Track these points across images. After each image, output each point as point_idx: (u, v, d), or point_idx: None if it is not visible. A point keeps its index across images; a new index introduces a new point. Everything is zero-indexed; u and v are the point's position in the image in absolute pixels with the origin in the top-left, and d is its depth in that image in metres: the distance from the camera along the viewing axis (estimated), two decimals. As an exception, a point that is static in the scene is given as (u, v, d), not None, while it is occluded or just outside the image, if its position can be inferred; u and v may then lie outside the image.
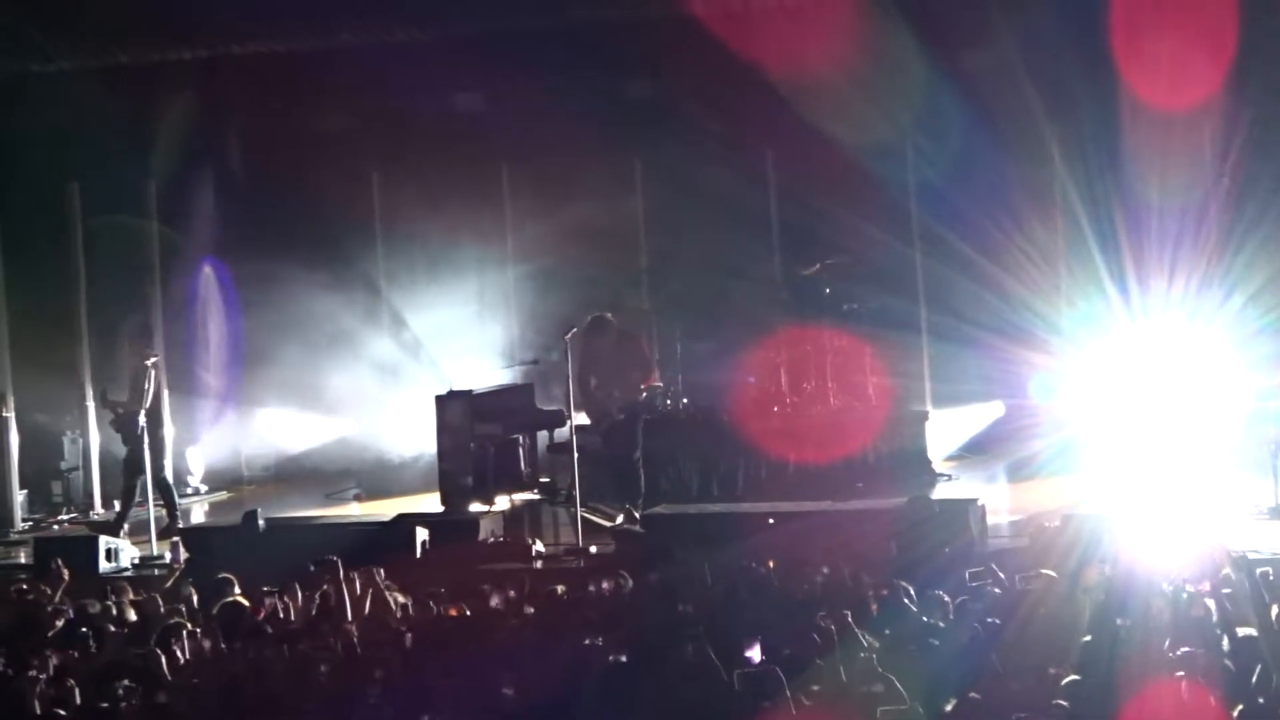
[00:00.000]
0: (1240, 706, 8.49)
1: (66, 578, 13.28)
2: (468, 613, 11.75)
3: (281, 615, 11.92)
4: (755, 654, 9.64)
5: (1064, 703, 8.62)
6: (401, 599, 12.21)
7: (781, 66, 18.30)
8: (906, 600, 11.25)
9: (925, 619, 10.65)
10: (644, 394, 17.10)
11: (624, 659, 9.74)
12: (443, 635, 10.91)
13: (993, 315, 19.79)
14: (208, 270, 21.96)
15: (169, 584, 13.30)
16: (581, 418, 17.71)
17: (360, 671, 9.82)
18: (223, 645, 10.78)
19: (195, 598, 12.71)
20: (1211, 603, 10.51)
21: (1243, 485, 16.62)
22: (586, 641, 10.31)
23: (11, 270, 20.91)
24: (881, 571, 12.12)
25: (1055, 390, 19.70)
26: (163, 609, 12.19)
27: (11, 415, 19.61)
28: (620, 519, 16.58)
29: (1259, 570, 10.86)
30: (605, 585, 12.44)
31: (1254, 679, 9.01)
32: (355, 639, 10.63)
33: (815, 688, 9.15)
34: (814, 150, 19.88)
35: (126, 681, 9.93)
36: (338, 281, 21.53)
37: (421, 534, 15.41)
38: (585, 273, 20.62)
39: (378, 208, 22.22)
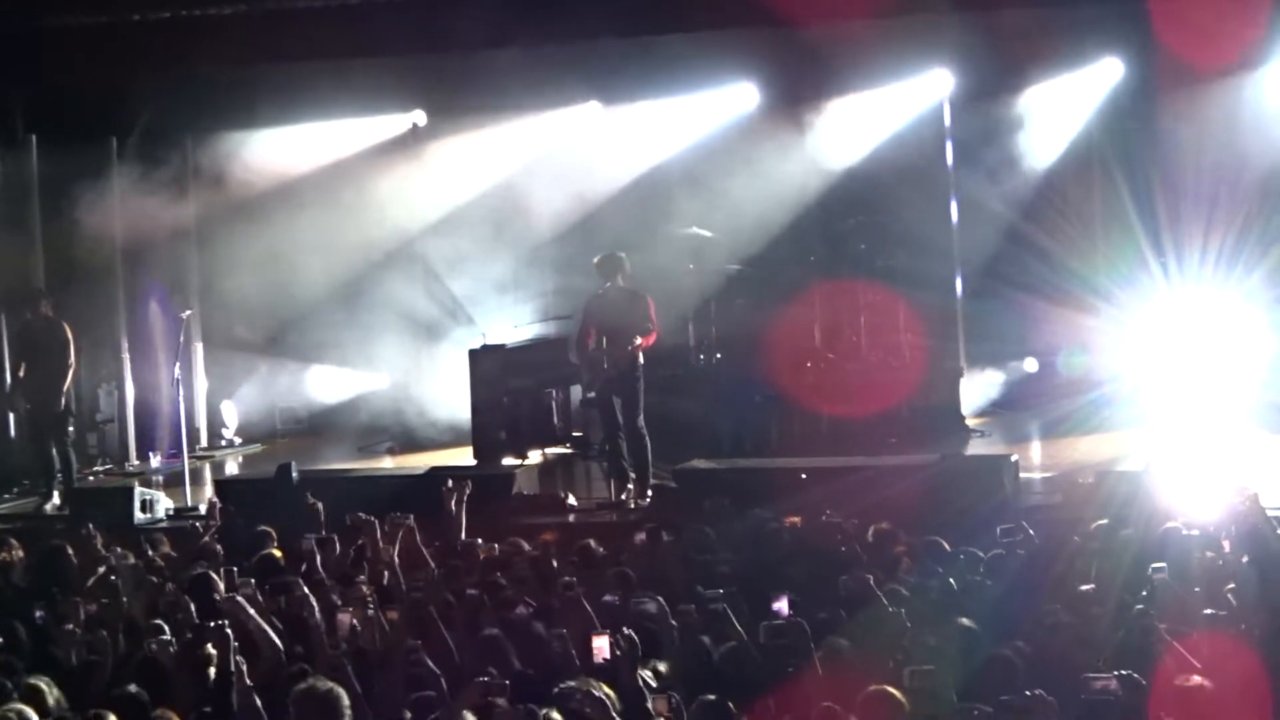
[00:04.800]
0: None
1: (98, 541, 13.30)
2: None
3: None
4: (783, 607, 9.63)
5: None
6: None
7: (819, 19, 18.16)
8: (940, 556, 11.24)
9: (957, 575, 10.63)
10: (638, 354, 16.32)
11: (652, 609, 9.74)
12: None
13: (1027, 273, 19.71)
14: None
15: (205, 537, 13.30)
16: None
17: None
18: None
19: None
20: (1244, 557, 10.48)
21: (1276, 443, 16.55)
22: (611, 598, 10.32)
23: (47, 217, 20.91)
24: (914, 527, 12.09)
25: (1085, 363, 19.62)
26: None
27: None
28: (625, 495, 16.35)
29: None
30: (640, 538, 12.45)
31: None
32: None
33: (844, 643, 9.16)
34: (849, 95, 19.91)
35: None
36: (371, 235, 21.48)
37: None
38: (619, 232, 20.49)
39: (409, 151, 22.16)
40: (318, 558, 11.79)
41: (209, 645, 8.96)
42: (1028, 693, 7.71)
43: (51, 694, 9.00)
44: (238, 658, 8.71)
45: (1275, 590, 9.69)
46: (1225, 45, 17.94)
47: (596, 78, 20.71)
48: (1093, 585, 10.33)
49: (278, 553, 12.40)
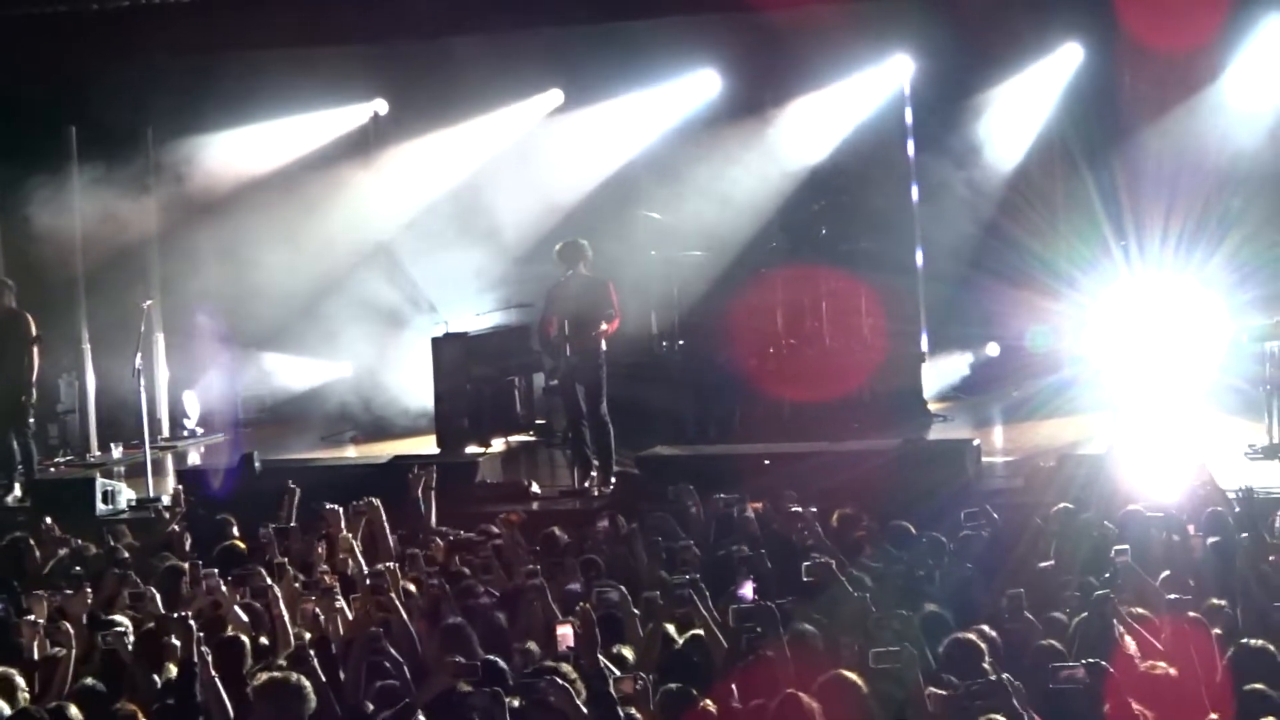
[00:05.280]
0: (1235, 644, 8.52)
1: (57, 533, 13.24)
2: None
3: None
4: (748, 592, 9.63)
5: (1056, 643, 8.65)
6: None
7: (780, 3, 18.20)
8: (902, 540, 11.27)
9: (920, 559, 10.66)
10: (601, 341, 16.29)
11: (614, 597, 9.74)
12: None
13: (990, 258, 19.77)
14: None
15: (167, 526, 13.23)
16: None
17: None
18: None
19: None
20: (1205, 539, 10.54)
21: (1237, 426, 16.63)
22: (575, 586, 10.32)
23: (5, 208, 20.80)
24: (877, 512, 12.11)
25: (1051, 341, 19.69)
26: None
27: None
28: (589, 482, 16.32)
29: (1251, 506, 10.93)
30: (601, 525, 12.46)
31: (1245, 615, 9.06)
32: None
33: (809, 627, 9.17)
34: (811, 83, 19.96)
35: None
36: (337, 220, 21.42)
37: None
38: (581, 219, 20.46)
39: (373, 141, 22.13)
40: (277, 547, 11.75)
41: (172, 637, 8.94)
42: (991, 676, 7.74)
43: (19, 684, 8.98)
44: (202, 648, 8.68)
45: (1234, 572, 9.74)
46: (1188, 25, 18.02)
47: (558, 66, 20.75)
48: (1052, 562, 10.39)
49: (240, 543, 12.37)
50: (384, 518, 12.16)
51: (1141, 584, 9.52)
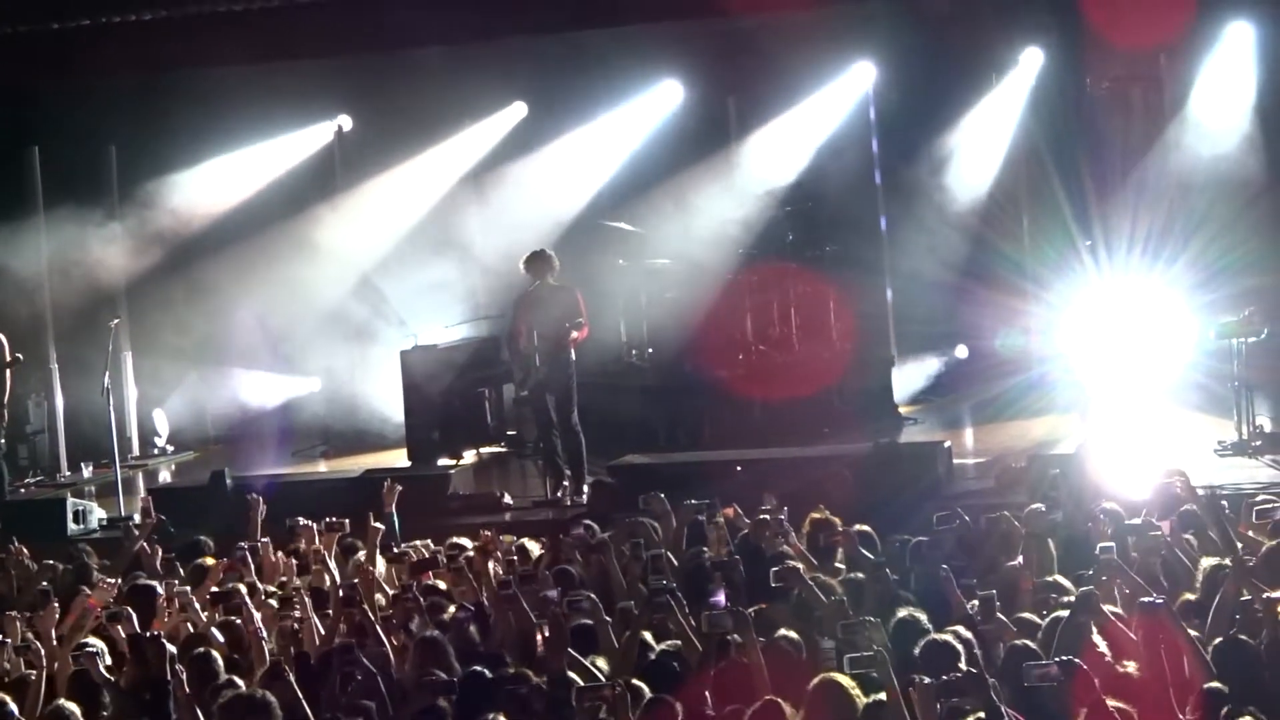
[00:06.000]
0: (1214, 642, 8.56)
1: (24, 553, 13.20)
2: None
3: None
4: (721, 599, 9.65)
5: (1030, 643, 8.68)
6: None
7: (744, 9, 18.25)
8: (873, 544, 11.29)
9: (893, 562, 10.68)
10: (570, 350, 16.28)
11: (586, 606, 9.74)
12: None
13: (957, 258, 19.83)
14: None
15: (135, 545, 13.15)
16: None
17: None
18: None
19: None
20: (1180, 537, 10.59)
21: (1206, 423, 16.70)
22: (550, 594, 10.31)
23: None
24: (849, 516, 12.11)
25: (1022, 343, 19.75)
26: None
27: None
28: (561, 492, 16.31)
29: (1220, 502, 10.98)
30: (575, 533, 12.45)
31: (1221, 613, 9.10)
32: None
33: (784, 632, 9.18)
34: (775, 91, 20.00)
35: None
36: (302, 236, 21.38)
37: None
38: (552, 224, 20.47)
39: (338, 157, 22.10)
40: (251, 565, 11.73)
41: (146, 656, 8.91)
42: (963, 670, 7.78)
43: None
44: (176, 666, 8.66)
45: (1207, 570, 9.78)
46: (1151, 24, 18.13)
47: (521, 78, 20.79)
48: (1020, 562, 10.43)
49: (211, 560, 12.34)
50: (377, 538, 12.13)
51: (1129, 581, 9.54)
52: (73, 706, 8.90)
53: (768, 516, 11.66)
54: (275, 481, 16.44)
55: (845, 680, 8.00)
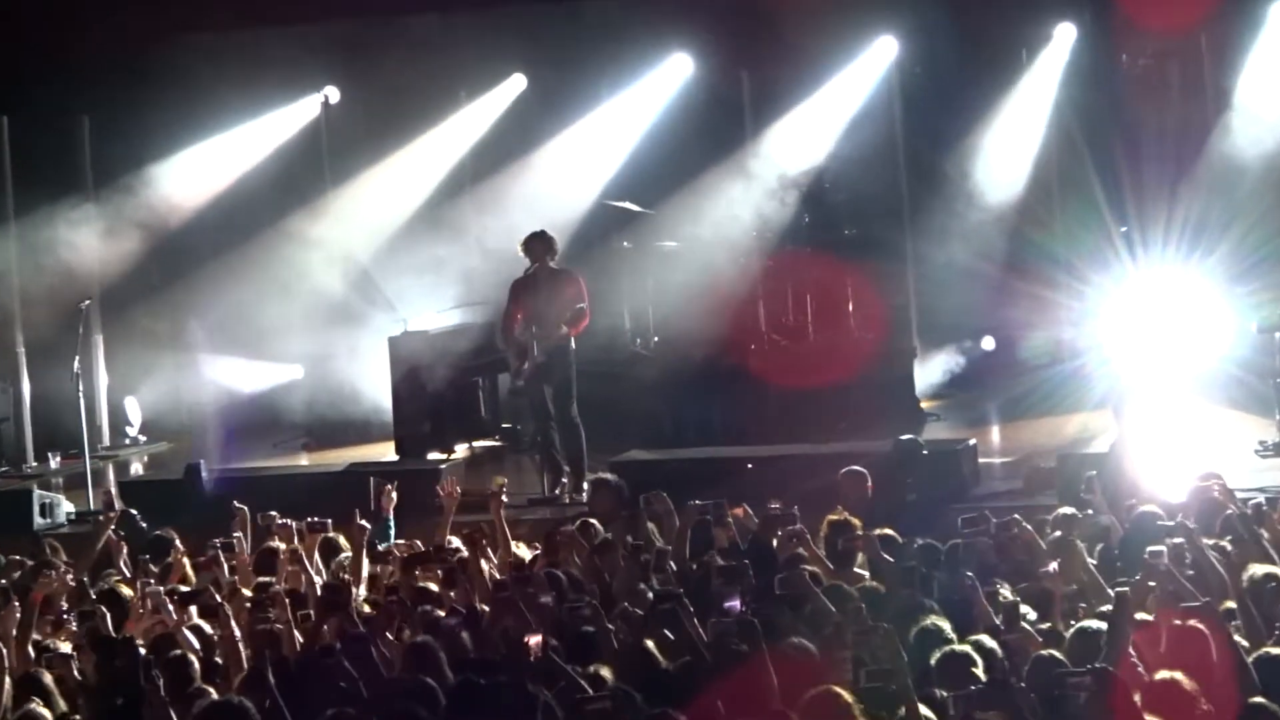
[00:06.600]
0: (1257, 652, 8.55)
1: None
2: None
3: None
4: (736, 605, 9.63)
5: (1056, 653, 8.66)
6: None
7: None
8: (894, 548, 11.25)
9: (914, 568, 10.64)
10: (569, 337, 16.30)
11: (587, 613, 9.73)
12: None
13: (984, 243, 19.79)
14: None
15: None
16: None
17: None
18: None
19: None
20: (1218, 542, 10.56)
21: (1246, 422, 16.69)
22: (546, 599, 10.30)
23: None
24: (868, 518, 12.10)
25: (1051, 351, 19.73)
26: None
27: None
28: (560, 490, 16.34)
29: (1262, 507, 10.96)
30: (573, 535, 12.41)
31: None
32: None
33: (797, 641, 9.15)
34: (791, 67, 19.95)
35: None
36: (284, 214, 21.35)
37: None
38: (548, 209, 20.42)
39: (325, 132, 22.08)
40: (225, 565, 11.71)
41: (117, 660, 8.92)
42: (986, 680, 7.77)
43: None
44: (152, 672, 8.66)
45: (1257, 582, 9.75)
46: (1183, 5, 18.14)
47: (521, 49, 20.73)
48: (1054, 568, 10.41)
49: (184, 559, 12.31)
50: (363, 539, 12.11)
51: (1175, 586, 9.50)
52: (45, 712, 8.92)
53: (778, 512, 11.63)
54: (227, 476, 16.39)
55: (845, 694, 7.96)
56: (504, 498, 12.99)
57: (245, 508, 13.02)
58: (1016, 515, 11.38)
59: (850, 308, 19.63)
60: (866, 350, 19.27)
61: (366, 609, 10.66)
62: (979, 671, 8.35)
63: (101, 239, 21.21)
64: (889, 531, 11.47)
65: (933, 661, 8.52)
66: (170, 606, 10.58)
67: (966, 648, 8.60)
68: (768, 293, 19.74)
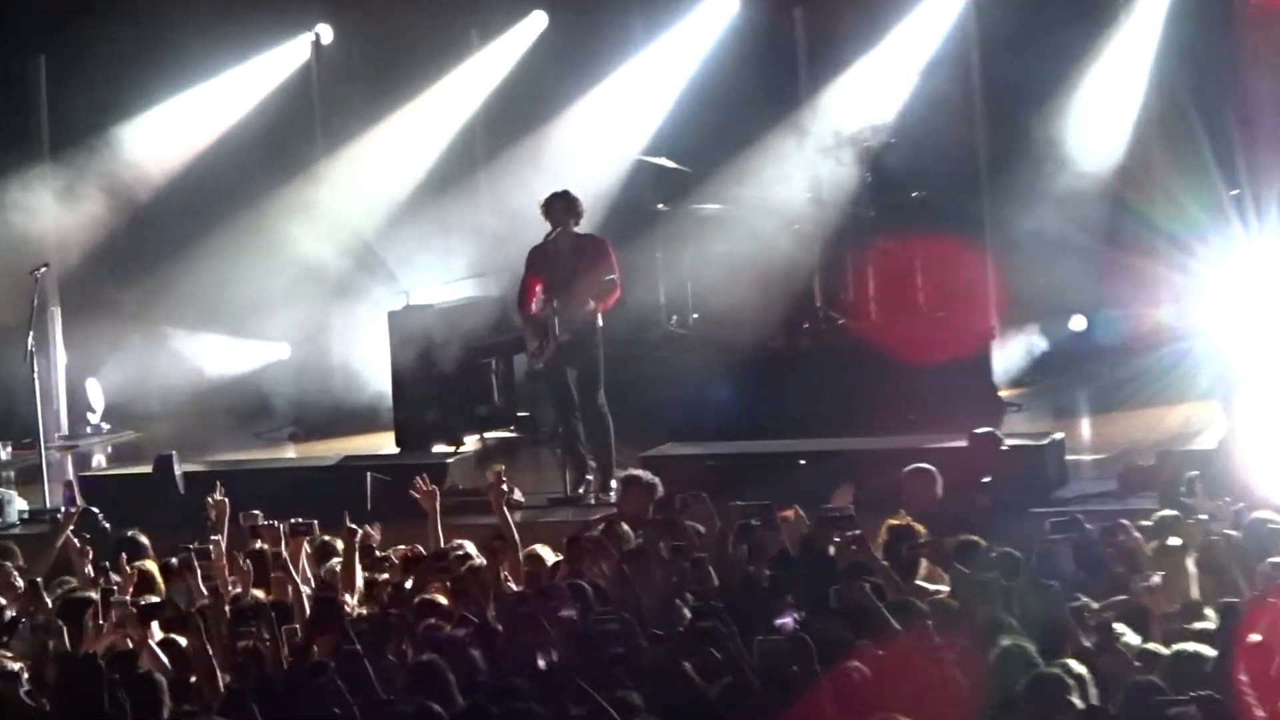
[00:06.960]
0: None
1: None
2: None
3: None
4: (789, 622, 9.64)
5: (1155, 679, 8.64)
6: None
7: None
8: (970, 557, 11.24)
9: (992, 580, 10.63)
10: (596, 314, 16.33)
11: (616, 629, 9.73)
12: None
13: (1073, 210, 19.75)
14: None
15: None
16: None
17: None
18: None
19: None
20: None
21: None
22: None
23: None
24: (937, 523, 12.10)
25: (1122, 329, 19.73)
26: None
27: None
28: (585, 488, 16.40)
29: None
30: (592, 535, 12.46)
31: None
32: None
33: (856, 665, 9.12)
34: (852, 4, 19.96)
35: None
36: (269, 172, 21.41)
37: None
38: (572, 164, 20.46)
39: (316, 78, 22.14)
40: (198, 571, 11.75)
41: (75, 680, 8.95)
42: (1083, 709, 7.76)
43: None
44: (119, 693, 8.70)
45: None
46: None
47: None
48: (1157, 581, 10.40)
49: (152, 565, 12.34)
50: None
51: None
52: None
53: (837, 514, 11.64)
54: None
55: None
56: (515, 494, 13.01)
57: (226, 499, 13.04)
58: (1123, 520, 11.36)
59: (918, 282, 19.61)
60: (937, 331, 19.31)
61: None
62: (1075, 700, 8.33)
63: (60, 199, 21.28)
64: (974, 538, 11.46)
65: (1019, 688, 8.49)
66: (138, 619, 10.62)
67: (1057, 671, 8.58)
68: (823, 265, 19.76)
